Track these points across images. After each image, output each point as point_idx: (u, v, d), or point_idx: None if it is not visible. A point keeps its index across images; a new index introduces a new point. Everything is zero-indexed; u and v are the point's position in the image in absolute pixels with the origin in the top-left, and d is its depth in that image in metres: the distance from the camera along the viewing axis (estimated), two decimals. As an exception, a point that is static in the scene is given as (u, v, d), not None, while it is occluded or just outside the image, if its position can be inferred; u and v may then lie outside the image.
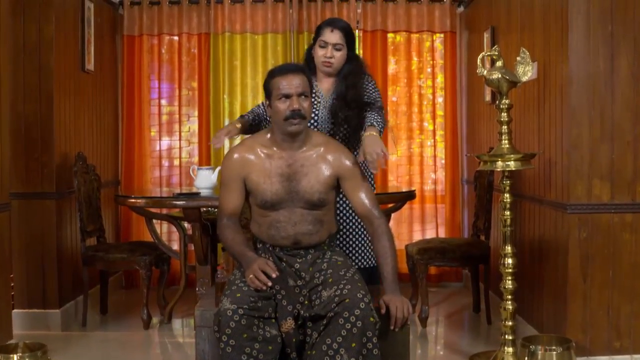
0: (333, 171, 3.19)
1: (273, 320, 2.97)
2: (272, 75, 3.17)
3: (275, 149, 3.19)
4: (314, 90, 3.69)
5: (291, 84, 3.10)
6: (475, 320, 5.37)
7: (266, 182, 3.15)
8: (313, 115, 3.66)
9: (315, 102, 3.68)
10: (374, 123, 3.49)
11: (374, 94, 3.70)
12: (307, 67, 3.72)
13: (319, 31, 3.71)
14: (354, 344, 2.84)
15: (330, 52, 3.65)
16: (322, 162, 3.18)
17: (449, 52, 6.40)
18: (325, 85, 3.73)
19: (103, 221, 5.56)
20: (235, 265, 3.28)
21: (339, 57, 3.66)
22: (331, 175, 3.18)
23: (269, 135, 3.24)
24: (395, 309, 2.99)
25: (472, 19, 6.18)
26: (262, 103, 3.71)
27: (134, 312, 5.47)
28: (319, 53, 3.69)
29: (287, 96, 3.10)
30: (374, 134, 3.37)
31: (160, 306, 5.35)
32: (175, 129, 6.51)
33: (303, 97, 3.11)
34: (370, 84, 3.72)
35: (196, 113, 6.47)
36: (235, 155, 3.23)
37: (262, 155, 3.20)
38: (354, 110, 3.60)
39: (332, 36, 3.65)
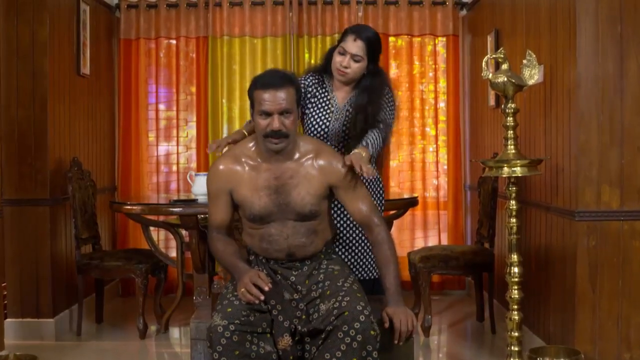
0: (325, 180, 3.03)
1: (268, 335, 2.84)
2: (255, 85, 2.96)
3: (259, 160, 3.03)
4: (328, 99, 3.56)
5: (273, 100, 2.89)
6: (479, 329, 5.26)
7: (254, 195, 3.00)
8: (324, 127, 3.53)
9: (329, 112, 3.55)
10: (369, 144, 3.32)
11: (386, 111, 3.53)
12: (325, 70, 3.58)
13: (343, 35, 3.52)
14: (354, 359, 2.73)
15: (347, 61, 3.45)
16: (313, 171, 3.03)
17: (452, 56, 6.30)
18: (341, 94, 3.57)
19: (99, 228, 5.46)
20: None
21: (355, 68, 3.46)
22: (323, 184, 3.03)
23: (252, 146, 3.07)
24: (399, 323, 2.87)
25: (475, 22, 6.09)
26: None
27: (130, 321, 5.37)
28: (336, 59, 3.49)
29: (268, 114, 2.91)
30: (362, 154, 3.18)
31: (157, 315, 5.25)
32: (173, 134, 6.41)
33: (286, 114, 2.91)
34: (388, 101, 3.55)
35: (194, 118, 6.38)
36: (221, 167, 3.07)
37: (248, 167, 3.04)
38: (369, 125, 3.47)
39: (354, 46, 3.44)
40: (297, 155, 3.03)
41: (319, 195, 3.03)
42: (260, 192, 3.00)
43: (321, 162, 3.04)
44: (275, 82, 2.92)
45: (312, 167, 3.03)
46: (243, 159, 3.05)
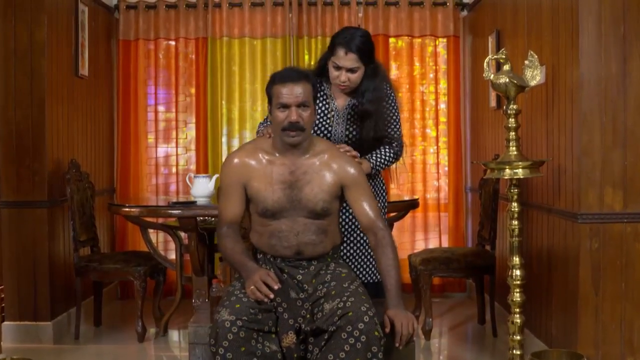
0: (337, 179, 3.05)
1: (273, 335, 2.81)
2: (273, 81, 3.02)
3: (277, 154, 3.06)
4: (327, 102, 3.52)
5: (291, 93, 2.94)
6: (481, 332, 5.22)
7: (267, 189, 3.01)
8: (326, 132, 3.50)
9: (329, 117, 3.51)
10: (372, 160, 3.43)
11: (393, 123, 3.53)
12: (322, 76, 3.52)
13: (333, 47, 3.42)
14: (357, 360, 2.69)
15: (344, 76, 3.40)
16: (326, 169, 3.05)
17: (452, 57, 6.27)
18: (340, 98, 3.52)
19: (97, 230, 5.42)
20: (233, 276, 3.13)
21: (354, 78, 3.42)
22: (335, 183, 3.05)
23: (270, 141, 3.10)
24: (400, 325, 2.84)
25: (476, 23, 6.05)
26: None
27: (129, 324, 5.33)
28: (333, 73, 3.43)
29: (286, 106, 2.95)
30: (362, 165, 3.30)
31: (156, 318, 5.21)
32: (172, 135, 6.37)
33: (303, 107, 2.96)
34: (392, 108, 3.52)
35: (194, 119, 6.34)
36: (236, 160, 3.09)
37: (264, 161, 3.06)
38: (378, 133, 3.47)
39: (346, 60, 3.37)
40: (312, 153, 3.07)
41: (331, 193, 3.04)
42: (275, 186, 3.01)
43: (334, 161, 3.07)
44: (293, 77, 2.99)
45: (326, 166, 3.06)
46: (259, 153, 3.07)
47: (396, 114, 3.55)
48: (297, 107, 2.95)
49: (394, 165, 3.67)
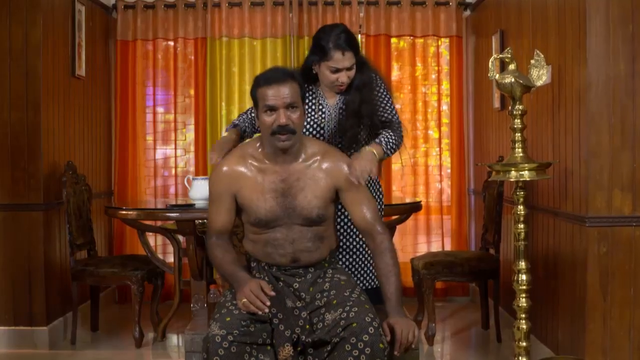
0: (331, 182, 2.93)
1: (268, 347, 2.71)
2: (258, 83, 2.88)
3: (267, 162, 2.93)
4: (318, 101, 3.43)
5: (278, 95, 2.81)
6: (485, 337, 5.13)
7: (259, 198, 2.89)
8: (319, 129, 3.41)
9: (321, 114, 3.42)
10: (382, 142, 3.25)
11: (388, 106, 3.42)
12: (308, 78, 3.40)
13: (325, 52, 3.31)
14: (362, 373, 2.60)
15: (344, 76, 3.32)
16: (319, 173, 2.93)
17: (455, 57, 6.18)
18: (331, 99, 3.44)
19: (94, 234, 5.33)
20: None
21: (351, 75, 3.35)
22: (329, 187, 2.93)
23: (259, 146, 2.97)
24: (400, 333, 2.74)
25: (480, 23, 5.96)
26: (251, 109, 3.42)
27: (127, 329, 5.25)
28: (331, 77, 3.33)
29: (273, 109, 2.82)
30: (374, 151, 3.13)
31: (154, 323, 5.13)
32: (171, 137, 6.29)
33: (292, 108, 2.83)
34: (383, 94, 3.42)
35: (193, 121, 6.25)
36: (225, 168, 2.97)
37: (254, 168, 2.93)
38: (365, 125, 3.35)
39: (345, 60, 3.29)
40: (303, 157, 2.94)
41: (326, 198, 2.92)
42: (267, 195, 2.89)
43: (327, 163, 2.95)
44: (278, 78, 2.85)
45: (319, 170, 2.93)
46: (249, 160, 2.95)
47: (388, 97, 3.45)
48: (285, 108, 2.82)
49: (395, 167, 3.58)
